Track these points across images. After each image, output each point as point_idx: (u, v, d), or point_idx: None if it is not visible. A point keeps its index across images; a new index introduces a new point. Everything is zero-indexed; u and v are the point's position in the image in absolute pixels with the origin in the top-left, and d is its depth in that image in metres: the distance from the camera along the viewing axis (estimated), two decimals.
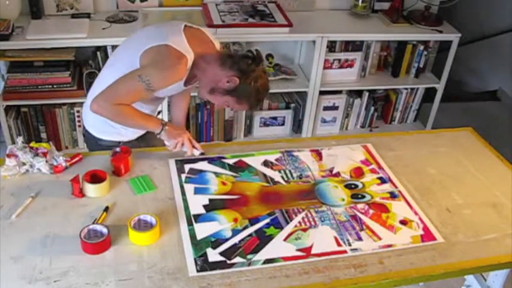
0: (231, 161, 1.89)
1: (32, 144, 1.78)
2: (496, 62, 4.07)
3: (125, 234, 1.53)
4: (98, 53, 2.78)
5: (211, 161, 1.89)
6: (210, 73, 1.78)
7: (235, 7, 3.00)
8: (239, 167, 1.87)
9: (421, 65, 3.34)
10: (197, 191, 1.74)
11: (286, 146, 2.01)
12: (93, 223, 1.53)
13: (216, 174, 1.83)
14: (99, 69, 2.80)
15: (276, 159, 1.93)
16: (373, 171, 1.91)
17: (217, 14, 2.88)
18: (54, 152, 1.78)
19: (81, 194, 1.66)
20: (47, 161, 1.73)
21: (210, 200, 1.70)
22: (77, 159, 1.81)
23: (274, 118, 3.27)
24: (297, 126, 3.32)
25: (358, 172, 1.90)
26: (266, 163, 1.90)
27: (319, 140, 2.11)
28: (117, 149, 1.83)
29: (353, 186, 1.83)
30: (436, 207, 1.77)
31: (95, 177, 1.68)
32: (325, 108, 3.30)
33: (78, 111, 2.88)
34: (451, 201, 1.80)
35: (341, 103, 3.30)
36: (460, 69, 3.95)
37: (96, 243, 1.47)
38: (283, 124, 3.30)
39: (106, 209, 1.60)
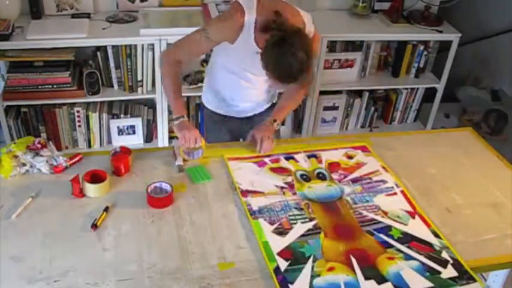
0: None
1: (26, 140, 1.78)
2: (496, 62, 4.06)
3: (125, 234, 1.53)
4: (98, 53, 2.78)
5: None
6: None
7: None
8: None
9: (421, 65, 3.34)
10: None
11: (286, 146, 2.01)
12: (93, 223, 1.53)
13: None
14: (99, 69, 2.80)
15: None
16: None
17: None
18: (54, 152, 1.78)
19: (81, 194, 1.66)
20: (47, 161, 1.74)
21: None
22: (77, 159, 1.81)
23: None
24: (297, 126, 3.32)
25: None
26: None
27: (319, 140, 2.11)
28: (117, 149, 1.83)
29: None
30: (436, 207, 1.76)
31: (95, 177, 1.68)
32: (325, 108, 3.30)
33: (78, 111, 2.87)
34: (451, 201, 1.80)
35: (341, 103, 3.30)
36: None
37: (161, 198, 1.63)
38: (283, 124, 3.29)
39: (106, 209, 1.60)
